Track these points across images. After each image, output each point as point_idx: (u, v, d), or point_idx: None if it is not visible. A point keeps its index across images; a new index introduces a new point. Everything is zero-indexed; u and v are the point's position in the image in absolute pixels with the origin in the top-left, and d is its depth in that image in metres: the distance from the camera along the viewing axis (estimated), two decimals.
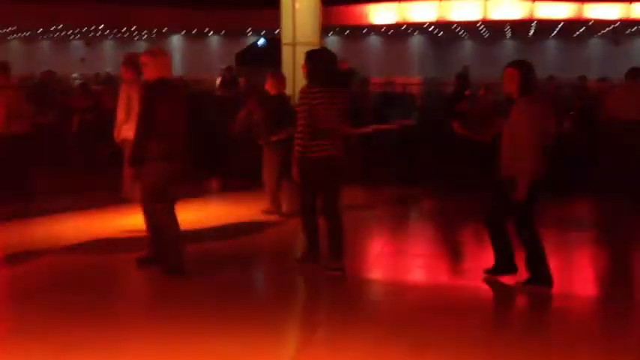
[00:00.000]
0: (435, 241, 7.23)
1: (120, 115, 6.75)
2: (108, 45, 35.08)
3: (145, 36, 33.81)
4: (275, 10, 13.05)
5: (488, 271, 5.41)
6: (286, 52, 12.24)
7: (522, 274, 5.26)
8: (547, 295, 5.05)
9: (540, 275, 5.09)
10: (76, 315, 4.55)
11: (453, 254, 6.70)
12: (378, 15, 24.91)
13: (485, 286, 5.36)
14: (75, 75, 30.08)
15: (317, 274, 5.50)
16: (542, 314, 5.04)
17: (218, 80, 18.68)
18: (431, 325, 4.46)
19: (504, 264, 5.30)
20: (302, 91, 5.34)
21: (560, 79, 16.19)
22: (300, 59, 12.00)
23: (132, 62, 6.77)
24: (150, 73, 5.31)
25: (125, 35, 33.05)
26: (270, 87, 7.70)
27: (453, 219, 8.03)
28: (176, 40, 33.85)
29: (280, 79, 7.81)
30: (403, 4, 24.10)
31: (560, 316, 4.91)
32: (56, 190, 8.91)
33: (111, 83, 21.59)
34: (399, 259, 6.34)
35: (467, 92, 13.08)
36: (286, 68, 12.02)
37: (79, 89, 13.80)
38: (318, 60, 5.35)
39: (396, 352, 4.00)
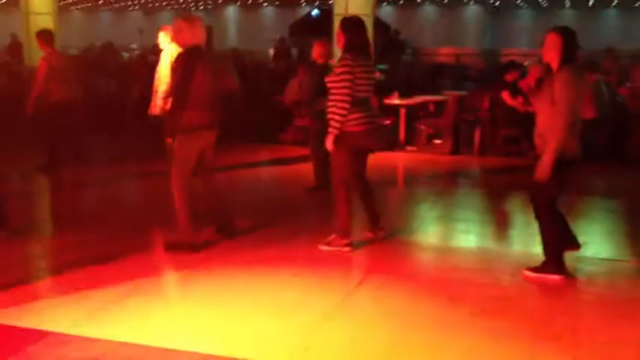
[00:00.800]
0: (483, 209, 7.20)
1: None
2: (165, 16, 35.77)
3: (202, 7, 34.33)
4: None
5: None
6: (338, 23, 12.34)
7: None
8: (555, 283, 4.63)
9: (550, 263, 4.70)
10: None
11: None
12: None
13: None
14: (134, 45, 30.89)
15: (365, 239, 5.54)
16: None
17: (271, 51, 18.84)
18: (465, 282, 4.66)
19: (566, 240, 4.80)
20: (343, 61, 5.09)
21: (619, 50, 15.90)
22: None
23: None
24: (185, 40, 5.11)
25: (183, 6, 33.64)
26: (317, 56, 7.50)
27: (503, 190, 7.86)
28: (231, 11, 34.26)
29: (327, 47, 7.42)
30: None
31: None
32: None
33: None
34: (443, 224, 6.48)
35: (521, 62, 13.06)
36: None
37: (138, 60, 14.28)
38: (355, 30, 5.17)
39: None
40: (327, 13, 20.02)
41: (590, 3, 28.12)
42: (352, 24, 5.23)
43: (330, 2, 14.00)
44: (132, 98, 11.19)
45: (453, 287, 4.59)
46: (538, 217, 4.74)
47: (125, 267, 4.88)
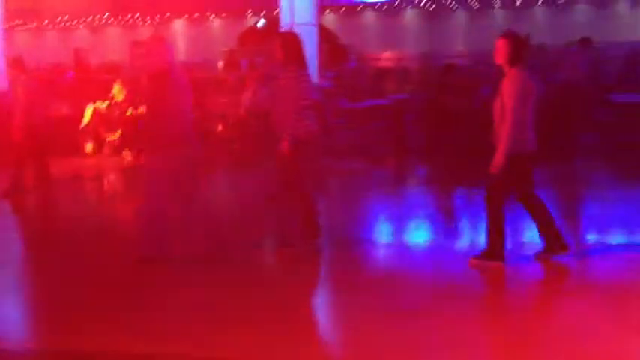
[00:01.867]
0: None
1: None
2: (113, 32, 35.92)
3: (149, 22, 34.63)
4: None
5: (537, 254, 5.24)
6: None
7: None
8: (497, 270, 5.03)
9: (494, 249, 5.02)
10: None
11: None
12: None
13: None
14: None
15: None
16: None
17: (220, 63, 19.36)
18: None
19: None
20: (293, 72, 5.37)
21: (548, 46, 17.11)
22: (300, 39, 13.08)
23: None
24: (157, 60, 5.29)
25: (129, 22, 33.91)
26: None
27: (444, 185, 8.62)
28: (178, 25, 34.69)
29: None
30: None
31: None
32: None
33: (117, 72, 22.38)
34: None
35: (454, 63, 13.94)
36: None
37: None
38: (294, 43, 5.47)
39: None
40: (273, 23, 20.69)
41: (518, 3, 29.59)
42: (291, 38, 5.63)
43: (276, 12, 14.50)
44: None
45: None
46: (487, 207, 5.02)
47: None
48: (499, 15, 33.14)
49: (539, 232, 5.16)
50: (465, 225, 6.91)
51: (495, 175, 4.89)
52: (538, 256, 5.24)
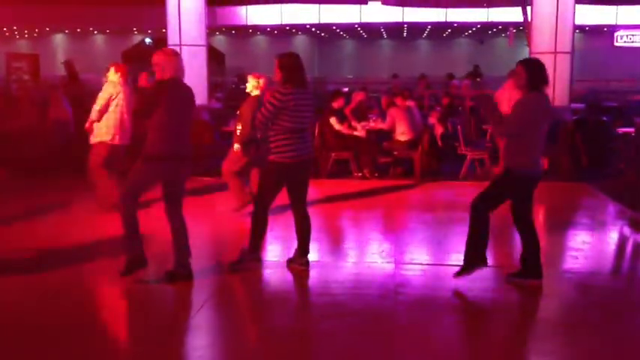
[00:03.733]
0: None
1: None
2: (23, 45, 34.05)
3: (27, 35, 33.10)
4: (160, 9, 13.47)
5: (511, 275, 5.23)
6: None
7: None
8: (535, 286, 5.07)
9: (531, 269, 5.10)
10: None
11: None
12: (261, 16, 25.79)
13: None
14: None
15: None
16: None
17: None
18: None
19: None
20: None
21: (430, 76, 17.81)
22: (186, 60, 12.87)
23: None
24: (164, 73, 5.14)
25: (6, 34, 32.23)
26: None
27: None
28: (60, 40, 33.35)
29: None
30: (285, 6, 25.12)
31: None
32: None
33: None
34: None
35: (344, 90, 14.28)
36: None
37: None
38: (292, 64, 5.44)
39: None
40: (159, 41, 20.30)
41: (405, 34, 30.76)
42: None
43: (163, 31, 14.28)
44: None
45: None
46: (475, 223, 5.04)
47: None
48: (386, 45, 34.25)
49: (523, 255, 5.17)
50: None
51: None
52: (510, 278, 5.20)
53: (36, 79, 24.29)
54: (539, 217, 7.59)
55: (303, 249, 5.55)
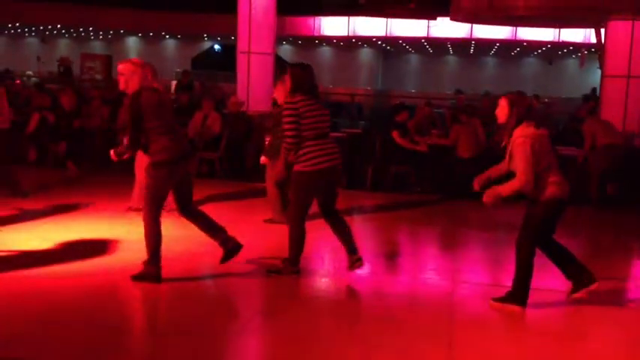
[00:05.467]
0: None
1: None
2: (63, 43, 35.34)
3: (101, 36, 34.21)
4: (230, 16, 13.72)
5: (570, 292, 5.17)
6: (241, 60, 13.03)
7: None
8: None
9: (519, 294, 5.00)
10: None
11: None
12: (330, 27, 26.02)
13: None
14: (29, 72, 30.36)
15: None
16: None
17: (173, 84, 19.17)
18: None
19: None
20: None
21: (495, 94, 17.59)
22: (254, 67, 13.15)
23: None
24: (128, 85, 5.24)
25: (82, 35, 33.41)
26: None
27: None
28: (132, 42, 34.33)
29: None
30: (352, 18, 25.27)
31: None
32: None
33: (67, 82, 22.00)
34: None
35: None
36: (240, 76, 12.93)
37: (36, 88, 14.01)
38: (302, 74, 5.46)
39: None
40: (228, 48, 20.78)
41: (471, 51, 30.45)
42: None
43: (232, 38, 14.52)
44: (31, 129, 10.63)
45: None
46: (518, 254, 4.96)
47: None
48: (451, 61, 34.00)
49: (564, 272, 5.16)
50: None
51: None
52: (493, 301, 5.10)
53: (108, 79, 25.10)
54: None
55: (350, 248, 5.55)
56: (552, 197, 4.90)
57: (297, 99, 5.33)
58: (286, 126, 5.31)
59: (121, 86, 5.28)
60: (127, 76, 5.22)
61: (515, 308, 4.96)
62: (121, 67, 5.29)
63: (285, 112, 5.35)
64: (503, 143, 5.03)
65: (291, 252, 5.48)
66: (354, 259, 5.57)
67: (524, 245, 4.95)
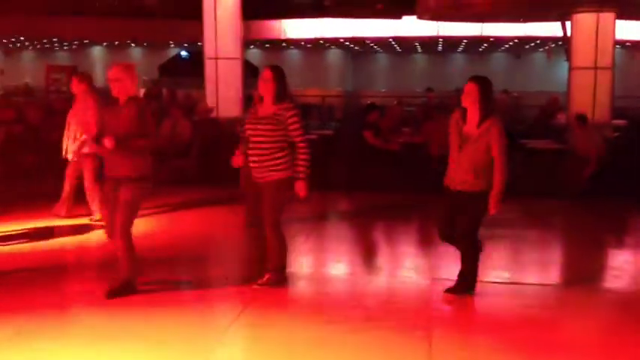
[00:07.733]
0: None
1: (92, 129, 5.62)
2: (27, 56, 34.76)
3: (66, 47, 33.72)
4: (196, 22, 13.62)
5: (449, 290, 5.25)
6: (209, 66, 12.92)
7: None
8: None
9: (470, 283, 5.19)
10: None
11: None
12: (297, 30, 25.91)
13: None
14: None
15: None
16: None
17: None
18: None
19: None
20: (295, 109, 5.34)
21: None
22: (222, 73, 13.01)
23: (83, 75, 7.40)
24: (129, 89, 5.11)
25: (47, 46, 32.88)
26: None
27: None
28: (97, 52, 33.91)
29: None
30: (321, 20, 25.21)
31: None
32: None
33: (31, 95, 21.54)
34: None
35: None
36: (209, 82, 12.81)
37: (1, 101, 13.77)
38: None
39: None
40: (195, 54, 20.57)
41: (440, 48, 30.61)
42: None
43: (199, 44, 14.46)
44: None
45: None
46: (465, 244, 5.14)
47: None
48: (420, 59, 34.15)
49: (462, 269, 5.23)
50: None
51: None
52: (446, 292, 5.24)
53: None
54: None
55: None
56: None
57: (293, 105, 5.36)
58: (303, 131, 5.33)
59: (115, 92, 5.06)
60: (125, 82, 5.05)
61: (468, 297, 5.14)
62: (115, 72, 5.06)
63: (297, 119, 5.29)
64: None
65: (278, 260, 5.36)
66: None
67: (471, 235, 5.14)
